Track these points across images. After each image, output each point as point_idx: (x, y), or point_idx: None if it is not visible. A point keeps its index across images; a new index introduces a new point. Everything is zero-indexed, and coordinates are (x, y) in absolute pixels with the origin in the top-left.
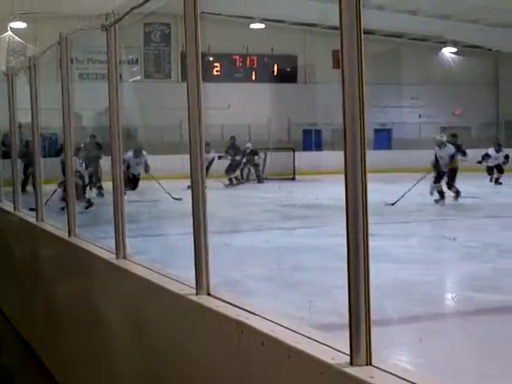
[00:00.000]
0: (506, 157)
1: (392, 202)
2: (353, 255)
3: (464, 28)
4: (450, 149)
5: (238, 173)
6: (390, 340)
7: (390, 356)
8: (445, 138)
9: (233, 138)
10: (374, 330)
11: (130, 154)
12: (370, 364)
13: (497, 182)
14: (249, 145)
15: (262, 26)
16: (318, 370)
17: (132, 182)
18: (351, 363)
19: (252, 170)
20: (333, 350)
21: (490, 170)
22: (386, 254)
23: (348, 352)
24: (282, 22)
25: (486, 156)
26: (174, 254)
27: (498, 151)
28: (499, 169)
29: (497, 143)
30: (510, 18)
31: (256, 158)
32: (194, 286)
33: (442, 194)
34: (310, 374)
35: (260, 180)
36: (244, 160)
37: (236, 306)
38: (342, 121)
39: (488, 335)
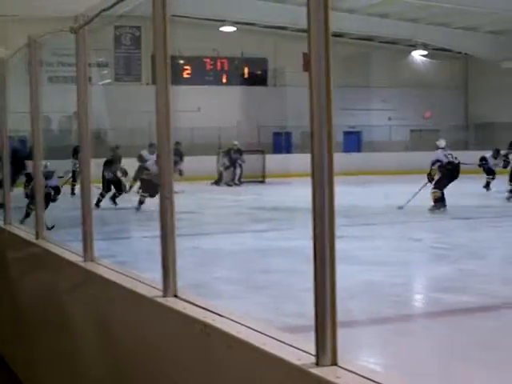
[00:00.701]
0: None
1: (400, 205)
2: (319, 257)
3: (433, 31)
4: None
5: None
6: (358, 341)
7: (357, 357)
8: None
9: (178, 143)
10: (342, 332)
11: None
12: (336, 364)
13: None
14: (236, 142)
15: (233, 28)
16: (283, 370)
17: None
18: (317, 364)
19: (237, 172)
20: (299, 351)
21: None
22: (354, 256)
23: (314, 353)
24: (252, 24)
25: (484, 160)
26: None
27: (495, 157)
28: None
29: (496, 149)
30: (478, 22)
31: (240, 159)
32: (161, 289)
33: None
34: (276, 375)
35: (240, 183)
36: (226, 160)
37: (203, 307)
38: (310, 123)
39: (455, 336)
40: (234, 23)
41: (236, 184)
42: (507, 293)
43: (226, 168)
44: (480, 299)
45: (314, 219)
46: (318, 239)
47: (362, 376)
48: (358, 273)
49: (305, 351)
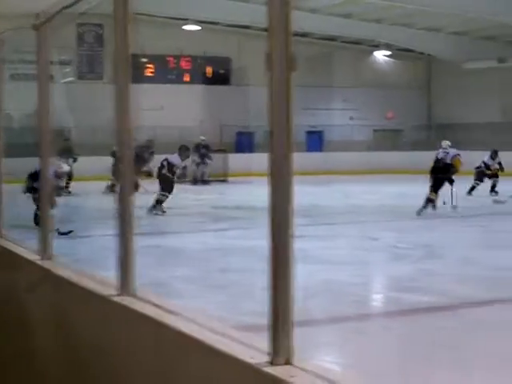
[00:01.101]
0: (500, 163)
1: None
2: (274, 256)
3: (396, 32)
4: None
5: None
6: (316, 340)
7: (314, 356)
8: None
9: (150, 141)
10: (300, 331)
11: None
12: (291, 364)
13: (493, 190)
14: (203, 138)
15: (197, 27)
16: (237, 369)
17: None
18: (271, 363)
19: (206, 170)
20: (254, 350)
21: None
22: (315, 256)
23: (269, 352)
24: (216, 24)
25: (483, 163)
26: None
27: (493, 158)
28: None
29: (494, 150)
30: (440, 23)
31: (208, 156)
32: (118, 287)
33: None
34: (229, 374)
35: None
36: (196, 157)
37: (159, 307)
38: (268, 123)
39: (414, 335)
40: (197, 22)
41: (204, 182)
42: (466, 292)
43: (198, 164)
44: (439, 299)
45: (271, 218)
46: (274, 238)
47: (317, 375)
48: (318, 272)
49: (260, 350)
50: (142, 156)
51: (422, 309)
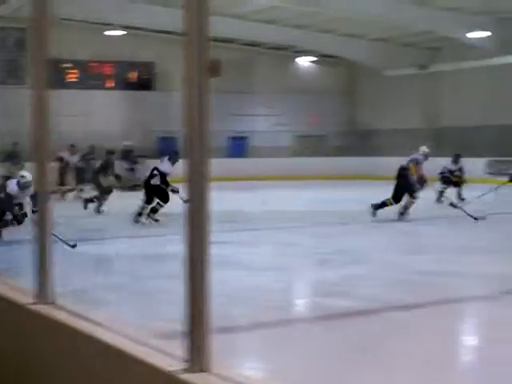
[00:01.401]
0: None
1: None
2: (191, 261)
3: (320, 38)
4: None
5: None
6: (236, 346)
7: (234, 363)
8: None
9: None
10: (221, 337)
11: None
12: (208, 371)
13: (459, 197)
14: (127, 143)
15: (120, 32)
16: (154, 377)
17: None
18: (188, 370)
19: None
20: (172, 357)
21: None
22: (237, 262)
23: (186, 359)
24: (140, 29)
25: (445, 169)
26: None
27: (456, 162)
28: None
29: (455, 154)
30: (362, 29)
31: (136, 160)
32: (37, 295)
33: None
34: (146, 381)
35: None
36: (126, 163)
37: (78, 315)
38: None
39: (335, 340)
40: (121, 27)
41: (133, 187)
42: (387, 297)
43: (130, 170)
44: (361, 303)
45: (188, 223)
46: (190, 243)
47: (235, 382)
48: (241, 278)
49: (177, 357)
50: (111, 162)
51: (344, 313)
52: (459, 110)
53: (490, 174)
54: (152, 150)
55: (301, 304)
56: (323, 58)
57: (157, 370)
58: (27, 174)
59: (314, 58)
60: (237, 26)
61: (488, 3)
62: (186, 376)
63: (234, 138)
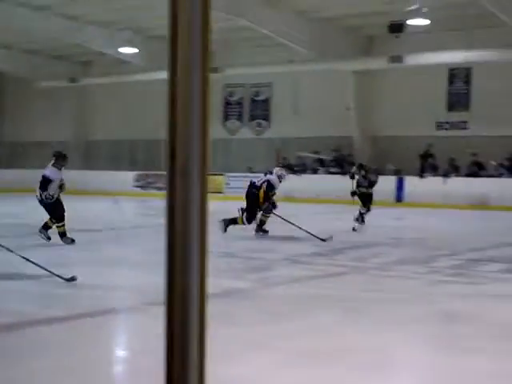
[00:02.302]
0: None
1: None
2: None
3: None
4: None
5: None
6: None
7: None
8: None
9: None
10: None
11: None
12: None
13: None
14: None
15: None
16: None
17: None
18: None
19: None
20: None
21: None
22: None
23: None
24: None
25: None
26: None
27: (364, 177)
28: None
29: (359, 164)
30: (10, 39)
31: None
32: None
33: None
34: None
35: None
36: None
37: None
38: None
39: None
40: None
41: None
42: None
43: None
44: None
45: None
46: None
47: None
48: None
49: None
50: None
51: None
52: (111, 123)
53: (139, 187)
54: None
55: None
56: None
57: None
58: None
59: None
60: None
61: (136, 22)
62: None
63: None
